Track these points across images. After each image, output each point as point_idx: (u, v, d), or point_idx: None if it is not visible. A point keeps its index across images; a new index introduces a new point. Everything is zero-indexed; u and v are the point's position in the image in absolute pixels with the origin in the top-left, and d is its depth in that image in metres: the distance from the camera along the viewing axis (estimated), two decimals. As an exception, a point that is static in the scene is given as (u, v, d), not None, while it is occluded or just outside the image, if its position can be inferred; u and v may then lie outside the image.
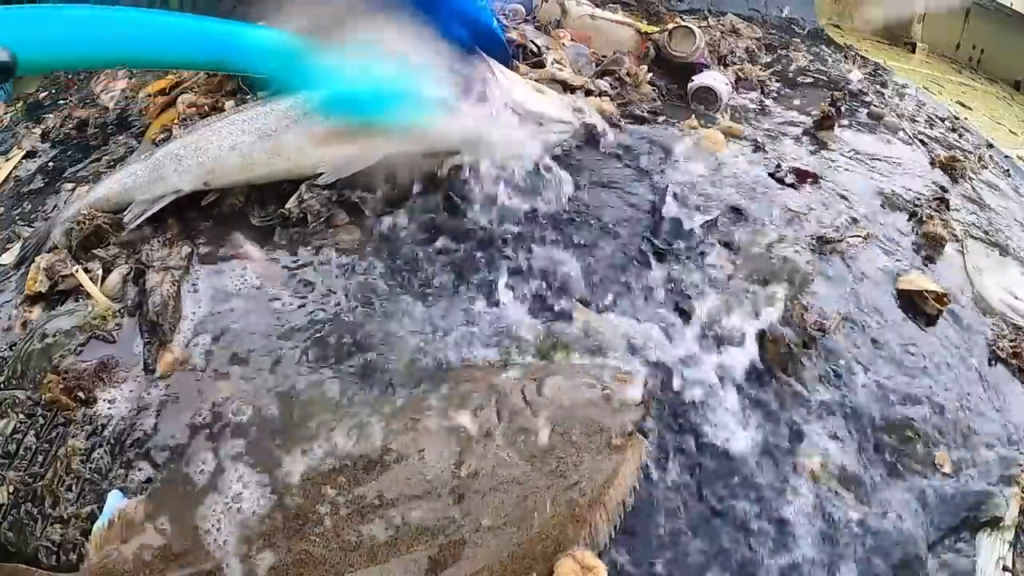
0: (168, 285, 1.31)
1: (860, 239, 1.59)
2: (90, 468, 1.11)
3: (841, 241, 1.56)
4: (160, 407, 1.19)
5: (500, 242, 1.46)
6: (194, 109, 1.75)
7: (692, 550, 1.12)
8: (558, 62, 1.91)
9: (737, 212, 1.61)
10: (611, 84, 1.97)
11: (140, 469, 1.11)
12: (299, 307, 1.33)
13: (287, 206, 1.44)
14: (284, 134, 1.46)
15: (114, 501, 1.06)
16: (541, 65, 1.90)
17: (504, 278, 1.39)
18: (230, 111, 1.63)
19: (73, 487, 1.10)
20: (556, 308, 1.37)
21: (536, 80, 1.80)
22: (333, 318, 1.31)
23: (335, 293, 1.35)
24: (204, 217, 1.50)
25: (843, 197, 1.78)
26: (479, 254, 1.44)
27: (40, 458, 1.12)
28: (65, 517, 1.08)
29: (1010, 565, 1.23)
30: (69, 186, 1.71)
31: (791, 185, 1.73)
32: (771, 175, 1.76)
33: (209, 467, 1.11)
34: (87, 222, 1.44)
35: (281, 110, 1.48)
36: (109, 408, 1.17)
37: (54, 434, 1.14)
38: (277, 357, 1.23)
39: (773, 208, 1.67)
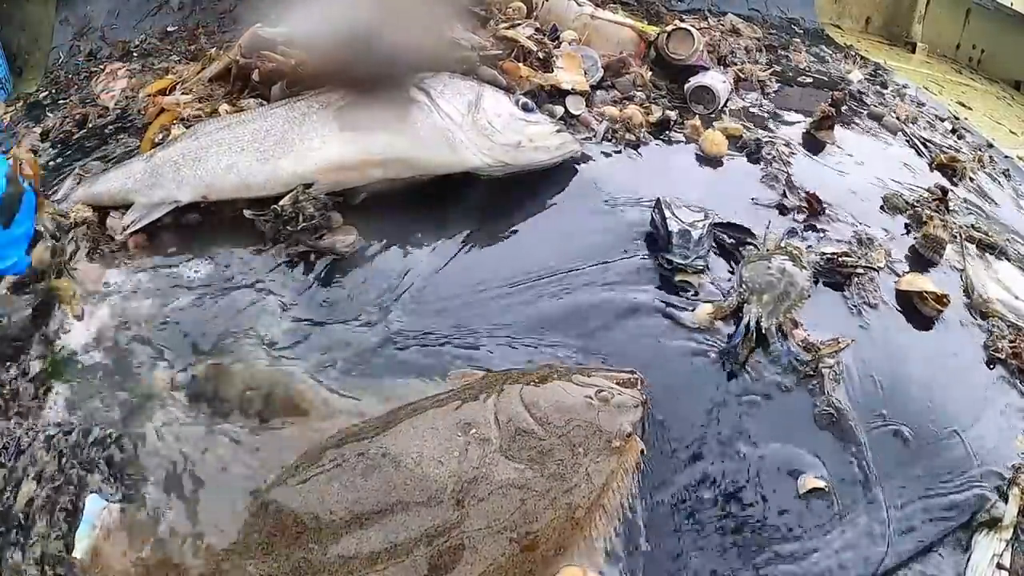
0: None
1: (875, 270, 1.57)
2: (67, 474, 1.11)
3: (857, 267, 1.54)
4: (154, 407, 1.19)
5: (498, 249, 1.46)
6: (191, 109, 1.75)
7: (692, 552, 1.12)
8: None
9: (736, 225, 1.61)
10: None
11: (135, 473, 1.11)
12: (297, 308, 1.33)
13: (282, 203, 1.44)
14: (281, 159, 1.47)
15: (93, 505, 1.06)
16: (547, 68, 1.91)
17: (498, 288, 1.39)
18: (226, 116, 1.64)
19: (51, 495, 1.10)
20: (555, 310, 1.37)
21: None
22: (330, 320, 1.31)
23: (333, 295, 1.35)
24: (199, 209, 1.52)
25: (846, 205, 1.78)
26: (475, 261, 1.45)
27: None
28: (44, 531, 1.07)
29: (1007, 563, 1.23)
30: (69, 184, 1.71)
31: (797, 204, 1.73)
32: (780, 196, 1.75)
33: (206, 471, 1.11)
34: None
35: (279, 130, 1.49)
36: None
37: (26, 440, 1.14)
38: (272, 361, 1.24)
39: (775, 220, 1.67)
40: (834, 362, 1.36)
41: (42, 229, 1.42)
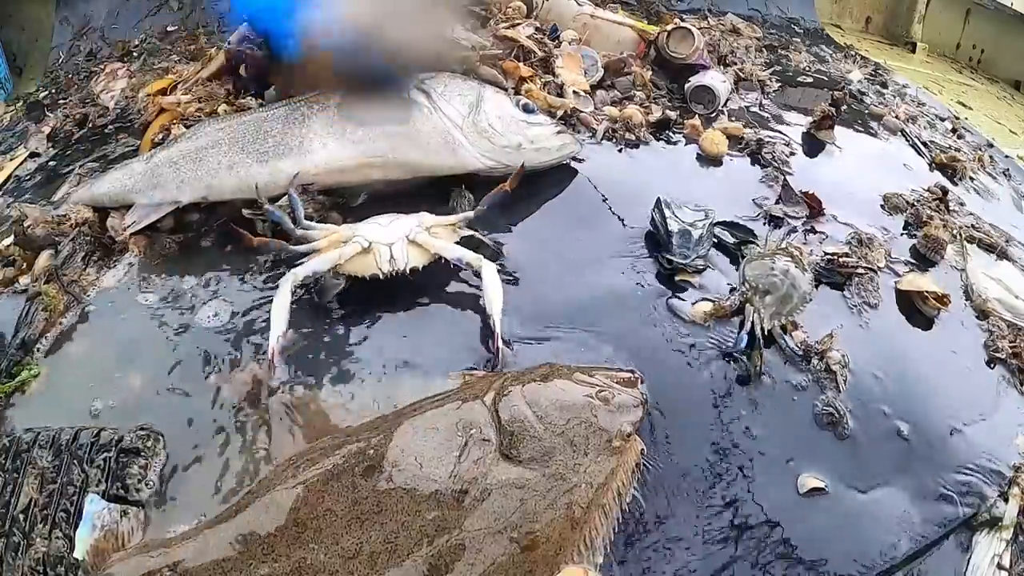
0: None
1: (875, 270, 1.57)
2: (67, 475, 1.11)
3: (857, 267, 1.54)
4: (148, 403, 1.20)
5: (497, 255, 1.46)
6: (191, 109, 1.75)
7: (692, 552, 1.12)
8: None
9: (737, 224, 1.61)
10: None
11: (135, 473, 1.11)
12: (297, 308, 1.33)
13: (280, 203, 1.44)
14: (281, 160, 1.47)
15: (92, 506, 1.06)
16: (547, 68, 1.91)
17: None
18: (226, 116, 1.64)
19: (51, 495, 1.10)
20: (554, 310, 1.37)
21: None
22: (329, 319, 1.32)
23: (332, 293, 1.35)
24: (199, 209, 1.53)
25: (846, 205, 1.77)
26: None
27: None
28: (44, 531, 1.08)
29: (1006, 564, 1.24)
30: (69, 183, 1.71)
31: (797, 204, 1.72)
32: (780, 195, 1.75)
33: (207, 471, 1.12)
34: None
35: (279, 131, 1.49)
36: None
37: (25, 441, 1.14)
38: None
39: (775, 220, 1.67)
40: (841, 356, 1.36)
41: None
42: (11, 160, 1.90)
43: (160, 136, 1.70)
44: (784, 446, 1.26)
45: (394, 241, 1.32)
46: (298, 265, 1.30)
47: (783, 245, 1.53)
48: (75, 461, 1.11)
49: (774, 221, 1.67)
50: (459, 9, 1.92)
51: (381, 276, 1.31)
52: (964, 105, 2.94)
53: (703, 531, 1.15)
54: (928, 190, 1.91)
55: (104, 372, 1.26)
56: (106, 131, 1.91)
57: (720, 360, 1.33)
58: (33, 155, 1.91)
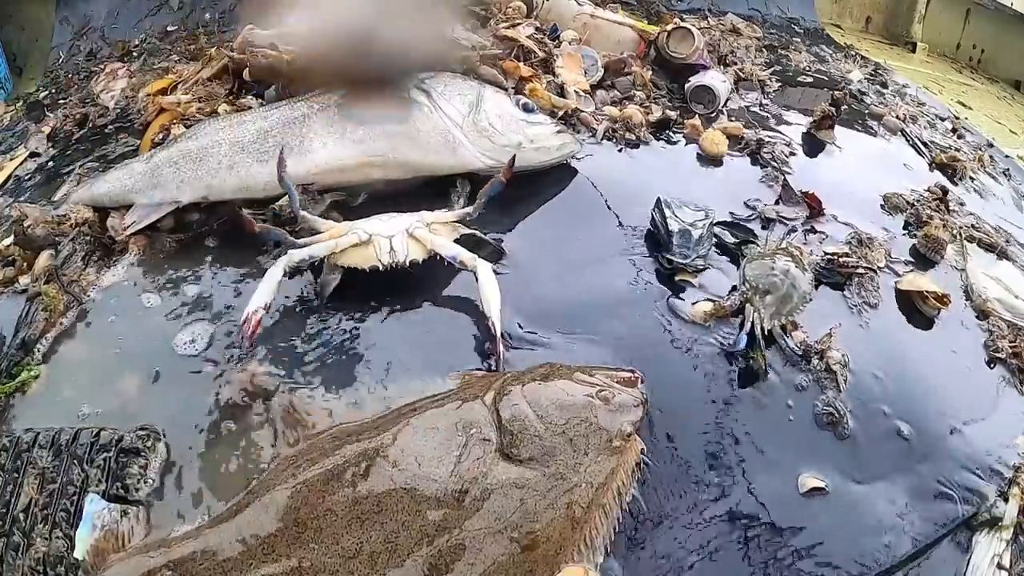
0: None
1: (875, 270, 1.57)
2: (67, 475, 1.11)
3: (857, 267, 1.54)
4: (148, 403, 1.20)
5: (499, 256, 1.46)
6: (191, 109, 1.75)
7: (692, 552, 1.12)
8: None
9: (737, 224, 1.62)
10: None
11: (135, 473, 1.11)
12: (297, 308, 1.33)
13: (280, 203, 1.44)
14: None
15: (92, 506, 1.06)
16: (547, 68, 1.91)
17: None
18: (226, 116, 1.64)
19: (51, 495, 1.10)
20: (555, 309, 1.37)
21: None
22: (330, 319, 1.32)
23: (332, 294, 1.35)
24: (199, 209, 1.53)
25: (846, 205, 1.77)
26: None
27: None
28: (44, 531, 1.07)
29: (1006, 564, 1.24)
30: (69, 183, 1.71)
31: (797, 204, 1.73)
32: (780, 195, 1.75)
33: (207, 471, 1.12)
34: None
35: (279, 131, 1.49)
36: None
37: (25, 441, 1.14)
38: (271, 361, 1.24)
39: (775, 220, 1.67)
40: (841, 356, 1.36)
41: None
42: (11, 160, 1.90)
43: (160, 136, 1.70)
44: (784, 446, 1.26)
45: (394, 234, 1.33)
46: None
47: (783, 245, 1.53)
48: (75, 461, 1.11)
49: (770, 222, 1.67)
50: (459, 9, 1.92)
51: (381, 268, 1.31)
52: (964, 105, 2.94)
53: (703, 531, 1.15)
54: (928, 190, 1.91)
55: (104, 372, 1.26)
56: (106, 131, 1.91)
57: (720, 360, 1.33)
58: (33, 155, 1.91)
